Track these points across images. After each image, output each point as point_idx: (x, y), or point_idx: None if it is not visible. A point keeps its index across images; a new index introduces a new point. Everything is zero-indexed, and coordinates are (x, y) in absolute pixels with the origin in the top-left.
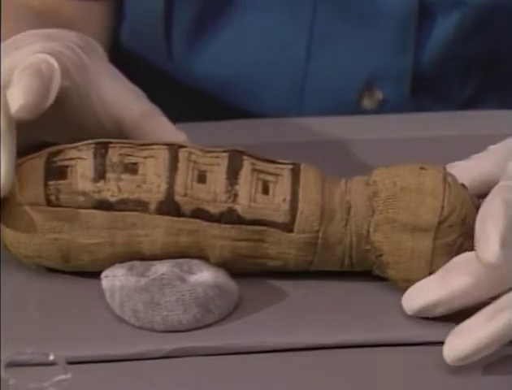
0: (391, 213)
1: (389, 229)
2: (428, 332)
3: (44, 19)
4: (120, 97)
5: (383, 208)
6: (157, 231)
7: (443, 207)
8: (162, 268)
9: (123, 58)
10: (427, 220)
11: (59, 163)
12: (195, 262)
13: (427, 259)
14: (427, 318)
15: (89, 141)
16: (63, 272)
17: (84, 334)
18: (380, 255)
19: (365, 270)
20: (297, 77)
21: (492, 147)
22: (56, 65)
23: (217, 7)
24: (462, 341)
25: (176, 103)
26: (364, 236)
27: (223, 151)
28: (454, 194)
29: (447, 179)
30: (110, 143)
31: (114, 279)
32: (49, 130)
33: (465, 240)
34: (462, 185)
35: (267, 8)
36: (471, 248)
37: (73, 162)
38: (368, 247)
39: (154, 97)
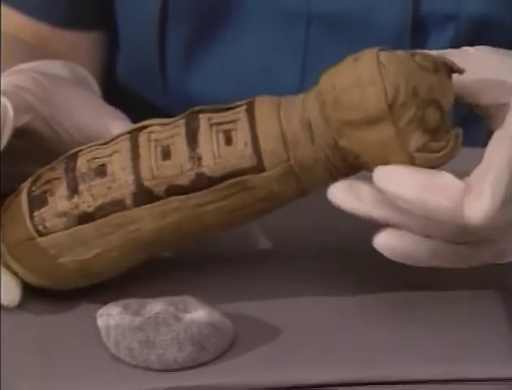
0: (341, 115)
1: (348, 131)
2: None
3: (35, 53)
4: (93, 121)
5: (333, 113)
6: (143, 222)
7: (385, 91)
8: (157, 307)
9: (119, 91)
10: (376, 110)
11: (39, 191)
12: (190, 300)
13: (398, 144)
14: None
15: (61, 157)
16: (60, 310)
17: (80, 372)
18: (356, 157)
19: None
20: None
21: None
22: (9, 106)
23: (210, 30)
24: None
25: None
26: (334, 145)
27: (180, 118)
28: (393, 72)
29: (380, 60)
30: (80, 151)
31: (109, 317)
32: (30, 161)
33: (427, 107)
34: (411, 55)
35: (261, 29)
36: (439, 110)
37: (49, 185)
38: (343, 153)
39: None
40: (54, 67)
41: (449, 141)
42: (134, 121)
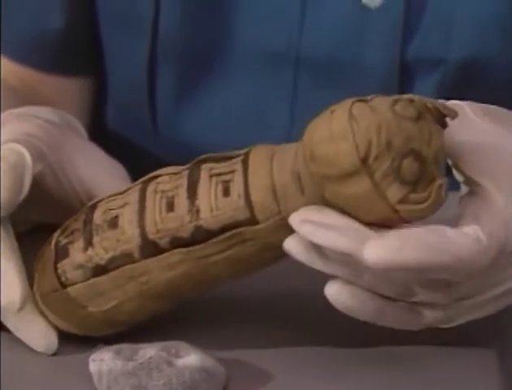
0: (319, 170)
1: (328, 185)
2: None
3: (24, 98)
4: (95, 175)
5: (312, 167)
6: (153, 274)
7: (357, 145)
8: (150, 352)
9: (108, 135)
10: (349, 165)
11: (64, 241)
12: (183, 345)
13: (377, 197)
14: None
15: (85, 206)
16: (53, 354)
17: None
18: (341, 209)
19: None
20: (281, 143)
21: None
22: (27, 155)
23: (198, 76)
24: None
25: None
26: (322, 197)
27: (186, 168)
28: (364, 127)
29: (353, 114)
30: (100, 201)
31: (102, 363)
32: (31, 210)
33: (404, 159)
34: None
35: (249, 73)
36: (419, 160)
37: (72, 236)
38: (330, 205)
39: (140, 172)
40: (43, 113)
41: (432, 192)
42: (124, 165)
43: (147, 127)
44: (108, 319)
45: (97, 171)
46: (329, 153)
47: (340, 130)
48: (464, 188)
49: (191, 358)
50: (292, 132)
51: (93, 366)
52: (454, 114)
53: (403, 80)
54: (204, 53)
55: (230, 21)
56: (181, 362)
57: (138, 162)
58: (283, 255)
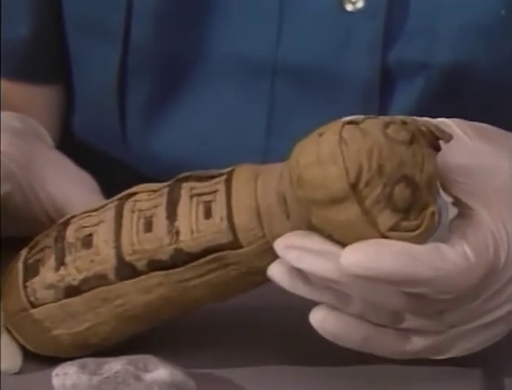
0: (306, 194)
1: (316, 210)
2: None
3: None
4: (65, 191)
5: (298, 191)
6: (129, 297)
7: (347, 170)
8: (116, 366)
9: (78, 147)
10: (338, 190)
11: (33, 259)
12: (151, 359)
13: (366, 224)
14: None
15: (57, 222)
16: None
17: None
18: (329, 235)
19: None
20: (258, 154)
21: None
22: None
23: (172, 87)
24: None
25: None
26: (309, 222)
27: (166, 186)
28: (355, 150)
29: (343, 137)
30: (73, 217)
31: (66, 377)
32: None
33: (395, 185)
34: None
35: (224, 84)
36: (411, 186)
37: (42, 253)
38: (317, 230)
39: (111, 184)
40: (8, 119)
41: (424, 220)
42: (94, 176)
43: (117, 140)
44: (79, 342)
45: (67, 188)
46: (317, 177)
47: (329, 153)
48: (452, 210)
49: (160, 373)
50: (269, 145)
51: (56, 381)
52: (449, 138)
53: (385, 86)
54: (177, 64)
55: (205, 31)
56: (150, 377)
57: (109, 174)
58: (267, 279)
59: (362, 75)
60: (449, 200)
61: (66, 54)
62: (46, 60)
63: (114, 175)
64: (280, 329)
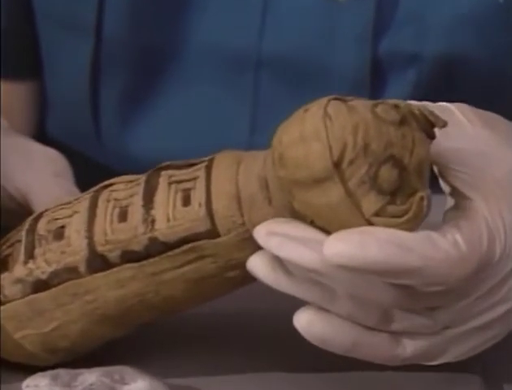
0: (288, 174)
1: (298, 192)
2: None
3: None
4: (28, 178)
5: (280, 172)
6: (100, 291)
7: (330, 147)
8: (90, 377)
9: (52, 145)
10: (320, 168)
11: (3, 254)
12: (128, 371)
13: (350, 207)
14: None
15: (30, 216)
16: None
17: None
18: (311, 221)
19: None
20: None
21: None
22: None
23: (148, 82)
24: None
25: None
26: (291, 208)
27: (144, 175)
28: (340, 126)
29: (328, 112)
30: (46, 210)
31: (37, 389)
32: None
33: (382, 165)
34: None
35: (205, 80)
36: (398, 168)
37: (12, 248)
38: (299, 216)
39: (85, 186)
40: None
41: (412, 205)
42: None
43: (91, 138)
44: (48, 344)
45: (36, 180)
46: (299, 155)
47: (313, 130)
48: (450, 201)
49: (138, 385)
50: (253, 140)
51: None
52: (443, 124)
53: (376, 79)
54: (154, 57)
55: (183, 23)
56: (126, 389)
57: (85, 175)
58: (249, 276)
59: (351, 68)
60: (447, 190)
61: (38, 49)
62: (19, 56)
63: (89, 176)
64: (265, 336)
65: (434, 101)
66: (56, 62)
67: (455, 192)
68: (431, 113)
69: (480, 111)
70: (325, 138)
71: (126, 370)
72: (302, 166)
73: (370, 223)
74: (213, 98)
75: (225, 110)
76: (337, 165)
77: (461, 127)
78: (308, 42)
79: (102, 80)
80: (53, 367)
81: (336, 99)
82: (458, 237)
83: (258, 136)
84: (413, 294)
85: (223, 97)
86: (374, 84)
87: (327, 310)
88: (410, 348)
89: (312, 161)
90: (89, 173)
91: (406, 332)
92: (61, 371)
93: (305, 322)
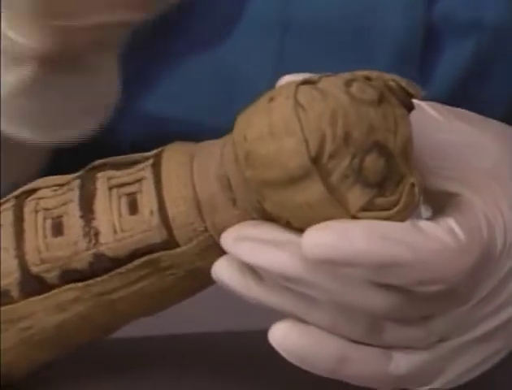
0: (257, 174)
1: (270, 192)
2: None
3: None
4: None
5: (247, 171)
6: (37, 317)
7: (306, 141)
8: None
9: None
10: (297, 166)
11: None
12: None
13: (333, 205)
14: None
15: None
16: None
17: None
18: (287, 223)
19: None
20: None
21: None
22: None
23: (166, 46)
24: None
25: None
26: (260, 209)
27: (76, 177)
28: (315, 115)
29: (299, 101)
30: None
31: None
32: None
33: (366, 154)
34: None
35: (227, 44)
36: (384, 155)
37: None
38: (272, 218)
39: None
40: None
41: (402, 194)
42: None
43: None
44: None
45: None
46: (269, 152)
47: (284, 122)
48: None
49: None
50: None
51: None
52: (420, 94)
53: (427, 49)
54: (180, 18)
55: None
56: None
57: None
58: (212, 282)
59: (398, 35)
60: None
61: None
62: None
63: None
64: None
65: (493, 75)
66: None
67: (436, 195)
68: (408, 82)
69: (455, 108)
70: (299, 131)
71: None
72: (274, 164)
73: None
74: (233, 64)
75: (246, 77)
76: (316, 160)
77: (434, 121)
78: (346, 5)
79: None
80: None
81: (303, 83)
82: (454, 225)
83: None
84: (405, 298)
85: (244, 63)
86: (424, 55)
87: (306, 322)
88: (403, 364)
89: (286, 158)
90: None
91: (398, 346)
92: None
93: (280, 336)
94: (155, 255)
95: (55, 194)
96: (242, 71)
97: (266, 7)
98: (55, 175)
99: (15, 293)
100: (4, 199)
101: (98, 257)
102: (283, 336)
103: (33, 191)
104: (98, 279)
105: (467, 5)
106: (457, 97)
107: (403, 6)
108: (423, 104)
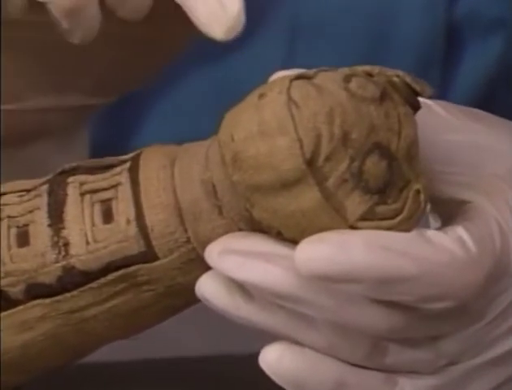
0: (245, 178)
1: (259, 199)
2: None
3: None
4: None
5: (235, 175)
6: (3, 335)
7: (300, 141)
8: None
9: None
10: (290, 169)
11: None
12: None
13: (330, 213)
14: None
15: None
16: None
17: None
18: (278, 233)
19: None
20: None
21: None
22: None
23: None
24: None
25: None
26: (249, 217)
27: (44, 182)
28: (310, 113)
29: (292, 97)
30: None
31: None
32: None
33: (366, 157)
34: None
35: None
36: (386, 157)
37: None
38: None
39: None
40: None
41: (407, 202)
42: None
43: None
44: None
45: None
46: (260, 154)
47: (275, 120)
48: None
49: None
50: None
51: None
52: (428, 91)
53: (451, 49)
54: None
55: None
56: None
57: None
58: (195, 300)
59: (419, 35)
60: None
61: None
62: None
63: None
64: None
65: None
66: None
67: (447, 205)
68: (413, 78)
69: (467, 107)
70: (293, 130)
71: None
72: (264, 167)
73: (355, 229)
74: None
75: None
76: (311, 163)
77: (443, 121)
78: (362, 5)
79: None
80: None
81: (297, 78)
82: (464, 234)
83: None
84: (410, 317)
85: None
86: (448, 55)
87: (301, 344)
88: (407, 388)
89: (278, 160)
90: None
91: (403, 370)
92: None
93: (273, 359)
94: (132, 268)
95: (21, 200)
96: (250, 82)
97: (276, 13)
98: None
99: None
100: None
101: (68, 270)
102: (275, 360)
103: None
104: (68, 294)
105: (492, 1)
106: (484, 101)
107: (422, 7)
108: (431, 102)
